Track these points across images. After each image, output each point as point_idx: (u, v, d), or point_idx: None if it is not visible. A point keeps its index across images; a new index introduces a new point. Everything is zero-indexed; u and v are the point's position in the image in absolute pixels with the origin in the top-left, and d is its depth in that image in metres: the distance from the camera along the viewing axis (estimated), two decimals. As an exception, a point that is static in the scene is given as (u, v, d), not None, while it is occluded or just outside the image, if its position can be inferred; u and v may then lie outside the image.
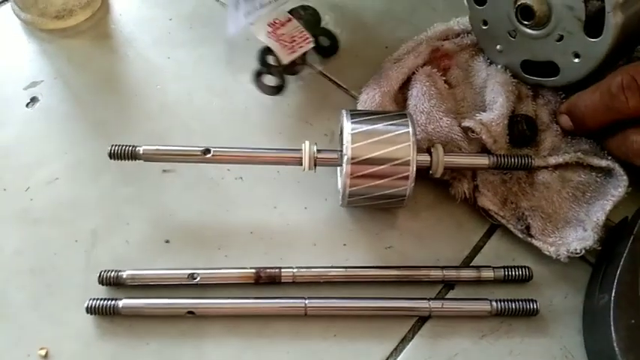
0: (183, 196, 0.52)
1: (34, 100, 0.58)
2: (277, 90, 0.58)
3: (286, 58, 0.56)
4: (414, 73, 0.57)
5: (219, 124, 0.57)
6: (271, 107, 0.59)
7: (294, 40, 0.56)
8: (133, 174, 0.53)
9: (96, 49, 0.62)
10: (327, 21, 0.62)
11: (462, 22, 0.62)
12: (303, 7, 0.60)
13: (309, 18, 0.59)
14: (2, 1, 0.65)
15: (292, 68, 0.58)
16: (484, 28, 0.57)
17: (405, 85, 0.57)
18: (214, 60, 0.62)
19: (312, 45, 0.57)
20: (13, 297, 0.47)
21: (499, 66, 0.57)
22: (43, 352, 0.44)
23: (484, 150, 0.52)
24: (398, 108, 0.56)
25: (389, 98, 0.56)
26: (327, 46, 0.62)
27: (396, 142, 0.47)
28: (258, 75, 0.57)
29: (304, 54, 0.58)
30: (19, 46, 0.62)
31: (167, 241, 0.50)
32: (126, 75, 0.60)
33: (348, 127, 0.48)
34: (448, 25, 0.61)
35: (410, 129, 0.48)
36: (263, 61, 0.57)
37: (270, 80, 0.58)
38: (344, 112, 0.49)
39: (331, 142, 0.56)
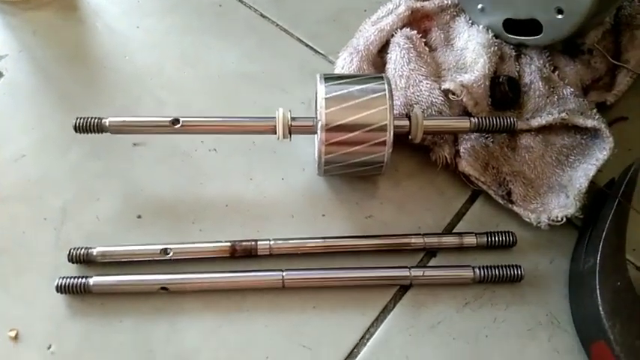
0: (155, 169, 0.51)
1: (-2, 74, 0.55)
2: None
3: None
4: (392, 35, 0.55)
5: (192, 94, 0.55)
6: (246, 75, 0.56)
7: None
8: (102, 148, 0.51)
9: (62, 20, 0.59)
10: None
11: (442, -19, 0.59)
12: None
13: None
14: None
15: None
16: (465, -14, 0.55)
17: (384, 49, 0.55)
18: (185, 28, 0.59)
19: None
20: (-21, 278, 0.45)
21: (481, 26, 0.55)
22: (12, 334, 0.43)
23: (465, 113, 0.51)
24: (377, 71, 0.54)
25: (367, 62, 0.53)
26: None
27: (372, 106, 0.45)
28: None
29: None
30: (-18, 20, 0.59)
31: (139, 217, 0.48)
32: (94, 46, 0.58)
33: (321, 91, 0.46)
34: (428, -16, 0.59)
35: (386, 92, 0.46)
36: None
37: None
38: (318, 76, 0.47)
39: (308, 110, 0.54)
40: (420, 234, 0.47)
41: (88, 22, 0.59)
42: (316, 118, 0.46)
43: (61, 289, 0.44)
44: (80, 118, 0.47)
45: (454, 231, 0.49)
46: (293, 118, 0.47)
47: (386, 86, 0.46)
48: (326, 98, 0.45)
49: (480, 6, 0.54)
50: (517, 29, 0.53)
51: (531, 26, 0.51)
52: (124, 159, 0.51)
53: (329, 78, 0.47)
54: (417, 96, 0.50)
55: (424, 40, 0.56)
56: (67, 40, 0.58)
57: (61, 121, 0.53)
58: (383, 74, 0.47)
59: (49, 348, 0.43)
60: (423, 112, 0.49)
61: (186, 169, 0.51)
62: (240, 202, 0.49)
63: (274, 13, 0.61)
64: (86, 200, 0.49)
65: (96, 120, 0.47)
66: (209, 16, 0.60)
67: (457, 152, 0.50)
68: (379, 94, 0.46)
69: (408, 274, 0.45)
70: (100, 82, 0.55)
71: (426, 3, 0.58)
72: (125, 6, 0.61)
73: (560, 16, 0.48)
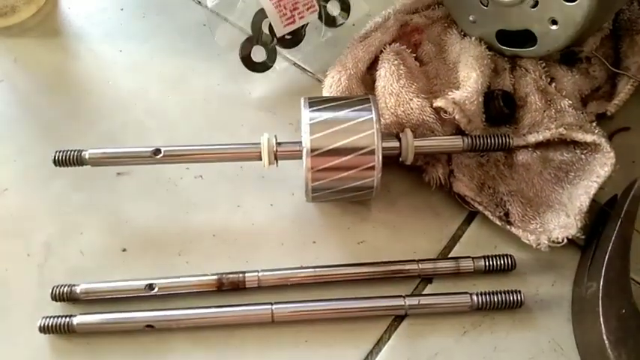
0: (139, 199, 0.49)
1: (-21, 105, 0.54)
2: (264, 67, 0.53)
3: (282, 30, 0.51)
4: (381, 51, 0.53)
5: (177, 118, 0.54)
6: (232, 97, 0.55)
7: (296, 8, 0.50)
8: (85, 178, 0.50)
9: (44, 47, 0.58)
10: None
11: (432, -9, 0.57)
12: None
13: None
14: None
15: (287, 40, 0.53)
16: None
17: (374, 65, 0.53)
18: (169, 50, 0.58)
19: (315, 15, 0.52)
20: (-39, 319, 0.44)
21: (473, 38, 0.53)
22: (-5, 378, 0.42)
23: (459, 131, 0.49)
24: (366, 91, 0.52)
25: (356, 81, 0.52)
26: (334, 16, 0.55)
27: (359, 131, 0.44)
28: (246, 44, 0.52)
29: (304, 25, 0.52)
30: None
31: (124, 250, 0.47)
32: (76, 73, 0.57)
33: (306, 116, 0.44)
34: (417, -4, 0.57)
35: (373, 115, 0.44)
36: (255, 28, 0.52)
37: (258, 53, 0.53)
38: (302, 100, 0.46)
39: (296, 132, 0.52)
40: (414, 260, 0.45)
41: (71, 47, 0.58)
42: (301, 144, 0.44)
43: (44, 329, 0.43)
44: (59, 152, 0.46)
45: (450, 255, 0.47)
46: (279, 144, 0.46)
47: (373, 109, 0.44)
48: (310, 124, 0.44)
49: (471, 17, 0.52)
50: (511, 40, 0.51)
51: (525, 37, 0.50)
52: (107, 189, 0.50)
53: (313, 102, 0.45)
54: (408, 114, 0.48)
55: (414, 54, 0.54)
56: (49, 67, 0.57)
57: (44, 152, 0.51)
58: (370, 96, 0.46)
59: (32, 392, 0.41)
60: (414, 131, 0.47)
61: (171, 198, 0.49)
62: (228, 231, 0.48)
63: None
64: (70, 234, 0.47)
65: (75, 153, 0.45)
66: (193, 37, 0.59)
67: (451, 172, 0.48)
68: (366, 117, 0.44)
69: (403, 303, 0.43)
70: (83, 110, 0.54)
71: (415, 15, 0.56)
72: (108, 28, 0.59)
73: (554, 27, 0.46)
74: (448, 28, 0.56)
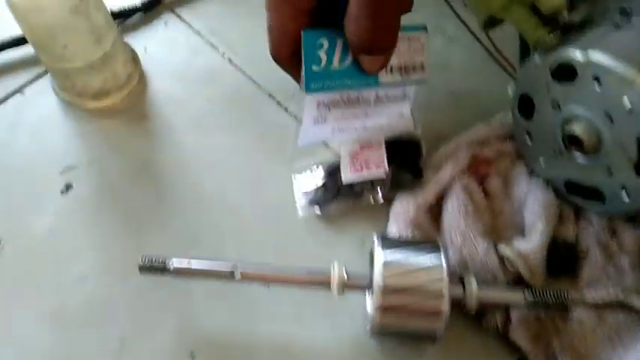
0: (210, 302, 0.52)
1: (68, 187, 0.58)
2: (317, 203, 0.57)
3: (348, 176, 0.55)
4: (451, 183, 0.55)
5: (251, 224, 0.57)
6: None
7: (367, 164, 0.55)
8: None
9: (132, 131, 0.62)
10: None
11: (506, 121, 0.59)
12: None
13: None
14: (41, 74, 0.65)
15: (351, 191, 0.57)
16: (528, 141, 0.55)
17: (442, 195, 0.55)
18: (250, 148, 0.61)
19: (382, 175, 0.55)
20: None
21: (541, 180, 0.55)
22: None
23: (520, 279, 0.51)
24: (432, 221, 0.55)
25: (423, 212, 0.54)
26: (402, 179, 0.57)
27: (429, 277, 0.46)
28: (317, 193, 0.57)
29: (371, 182, 0.56)
30: (57, 125, 0.62)
31: (192, 355, 0.50)
32: (161, 163, 0.60)
33: (379, 255, 0.47)
34: (491, 125, 0.59)
35: (443, 263, 0.46)
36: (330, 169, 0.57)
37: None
38: (375, 238, 0.48)
39: (362, 255, 0.55)
40: (465, 403, 0.48)
41: (156, 135, 0.62)
42: (371, 280, 0.47)
43: None
44: (145, 258, 0.49)
45: (501, 402, 0.49)
46: (348, 275, 0.48)
47: (442, 257, 0.47)
48: (384, 263, 0.46)
49: (542, 161, 0.54)
50: (579, 191, 0.53)
51: (594, 193, 0.51)
52: (182, 290, 0.53)
53: (387, 241, 0.48)
54: (472, 256, 0.51)
55: (481, 185, 0.56)
56: (135, 152, 0.60)
57: (124, 243, 0.55)
58: (440, 244, 0.48)
59: None
60: (476, 274, 0.50)
61: (239, 305, 0.52)
62: (288, 351, 0.50)
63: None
64: (144, 332, 0.51)
65: (161, 261, 0.49)
66: (275, 137, 0.61)
67: (508, 318, 0.50)
68: (436, 264, 0.46)
69: None
70: (164, 203, 0.57)
71: (486, 148, 0.58)
72: (194, 119, 0.63)
73: (625, 196, 0.48)
74: (517, 162, 0.58)
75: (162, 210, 0.57)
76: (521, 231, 0.54)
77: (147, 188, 0.58)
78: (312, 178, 0.58)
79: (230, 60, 0.67)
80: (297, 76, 0.45)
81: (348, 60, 0.44)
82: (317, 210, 0.56)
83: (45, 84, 0.64)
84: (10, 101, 0.64)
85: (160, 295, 0.53)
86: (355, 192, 0.56)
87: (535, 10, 0.49)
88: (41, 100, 0.63)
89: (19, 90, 0.64)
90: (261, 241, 0.56)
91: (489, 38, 0.62)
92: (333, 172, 0.56)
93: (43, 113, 0.63)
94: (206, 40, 0.69)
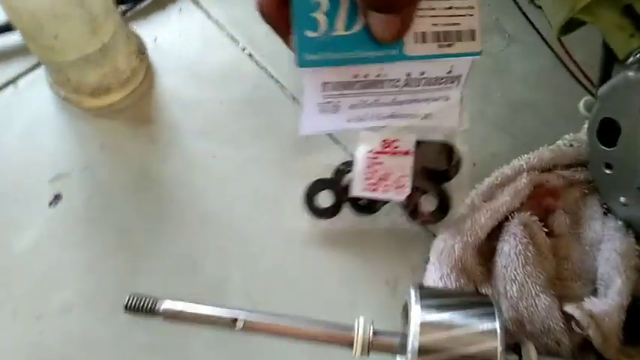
0: (208, 350, 0.44)
1: (57, 198, 0.50)
2: (323, 214, 0.48)
3: (358, 191, 0.44)
4: (507, 218, 0.45)
5: (259, 249, 0.48)
6: (321, 232, 0.49)
7: (385, 180, 0.43)
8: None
9: (133, 135, 0.54)
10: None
11: (576, 144, 0.49)
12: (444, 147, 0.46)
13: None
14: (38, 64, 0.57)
15: (358, 204, 0.47)
16: (607, 172, 0.44)
17: (494, 232, 0.46)
18: (266, 164, 0.52)
19: (401, 199, 0.44)
20: None
21: (619, 221, 0.45)
22: None
23: (588, 344, 0.41)
24: (482, 261, 0.45)
25: (472, 250, 0.45)
26: (430, 212, 0.47)
27: (479, 342, 0.36)
28: (317, 185, 0.47)
29: (384, 202, 0.46)
30: (50, 125, 0.54)
31: (184, 411, 0.42)
32: (163, 174, 0.52)
33: (416, 313, 0.37)
34: (557, 150, 0.49)
35: (497, 326, 0.37)
36: (337, 172, 0.47)
37: (325, 198, 0.47)
38: (412, 290, 0.39)
39: (393, 295, 0.46)
40: None
41: (161, 141, 0.53)
42: (406, 342, 0.38)
43: None
44: (133, 296, 0.41)
45: None
46: (375, 333, 0.39)
47: (497, 318, 0.37)
48: (422, 323, 0.37)
49: (622, 199, 0.44)
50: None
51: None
52: (178, 332, 0.44)
53: (426, 294, 0.39)
54: (531, 313, 0.41)
55: (544, 222, 0.46)
56: (135, 160, 0.52)
57: (117, 267, 0.47)
58: (492, 300, 0.38)
59: None
60: (535, 338, 0.40)
61: (243, 356, 0.44)
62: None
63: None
64: (128, 379, 0.43)
65: (150, 302, 0.41)
66: (298, 150, 0.52)
67: (571, 396, 0.40)
68: (489, 327, 0.37)
69: None
70: (163, 220, 0.50)
71: (552, 176, 0.48)
72: (204, 125, 0.54)
73: None
74: (589, 195, 0.48)
75: (162, 229, 0.49)
76: (591, 282, 0.44)
77: (145, 203, 0.50)
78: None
79: (251, 56, 0.58)
80: (287, 36, 0.32)
81: (359, 24, 0.32)
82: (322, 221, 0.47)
83: (41, 74, 0.56)
84: (1, 94, 0.56)
85: (152, 335, 0.45)
86: (367, 206, 0.47)
87: (630, 12, 0.39)
88: (35, 94, 0.56)
89: (13, 81, 0.57)
90: (271, 271, 0.47)
91: (560, 40, 0.52)
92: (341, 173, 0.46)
93: (36, 110, 0.55)
94: (225, 32, 0.60)
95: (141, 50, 0.56)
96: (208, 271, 0.47)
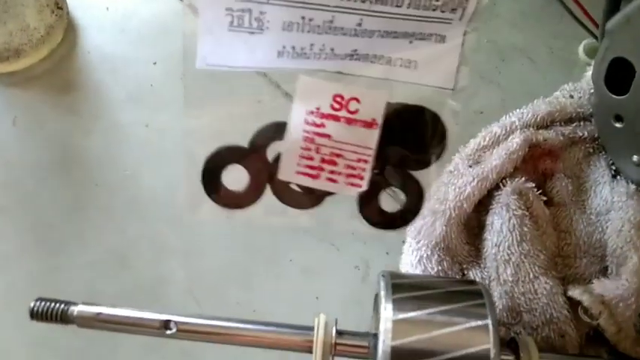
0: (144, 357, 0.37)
1: (-41, 185, 0.43)
2: (233, 201, 0.34)
3: (284, 174, 0.31)
4: (498, 186, 0.38)
5: (206, 238, 0.41)
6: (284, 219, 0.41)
7: (333, 162, 0.30)
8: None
9: (52, 106, 0.46)
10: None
11: (577, 95, 0.42)
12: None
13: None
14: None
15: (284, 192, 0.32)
16: (617, 126, 0.37)
17: (483, 202, 0.38)
18: (214, 132, 0.44)
19: (356, 192, 0.31)
20: None
21: (631, 185, 0.37)
22: None
23: (599, 335, 0.34)
24: (469, 239, 0.38)
25: (457, 226, 0.37)
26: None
27: (465, 343, 0.30)
28: (218, 158, 0.31)
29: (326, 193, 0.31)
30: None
31: None
32: (88, 150, 0.44)
33: (387, 310, 0.30)
34: (555, 102, 0.42)
35: (489, 321, 0.30)
36: (257, 136, 0.30)
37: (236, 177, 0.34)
38: (381, 279, 0.31)
39: (364, 282, 0.39)
40: None
41: (85, 111, 0.46)
42: (376, 346, 0.31)
43: None
44: (40, 301, 0.34)
45: None
46: (339, 333, 0.32)
47: (488, 309, 0.30)
48: (394, 321, 0.30)
49: (635, 158, 0.37)
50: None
51: None
52: (104, 339, 0.38)
53: (398, 285, 0.31)
54: (529, 301, 0.35)
55: (541, 190, 0.39)
56: (53, 136, 0.45)
57: (33, 264, 0.41)
58: (482, 288, 0.31)
59: None
60: (534, 328, 0.33)
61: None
62: None
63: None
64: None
65: (61, 308, 0.33)
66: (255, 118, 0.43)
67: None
68: (478, 323, 0.30)
69: None
70: (88, 208, 0.42)
71: (550, 133, 0.40)
72: (135, 89, 0.46)
73: None
74: (593, 154, 0.40)
75: (86, 216, 0.43)
76: (600, 258, 0.37)
77: (66, 187, 0.44)
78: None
79: (190, 6, 0.49)
80: None
81: None
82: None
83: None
84: None
85: (75, 341, 0.38)
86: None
87: None
88: None
89: None
90: (219, 265, 0.41)
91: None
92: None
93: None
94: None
95: (58, 4, 0.47)
96: (141, 267, 0.41)
